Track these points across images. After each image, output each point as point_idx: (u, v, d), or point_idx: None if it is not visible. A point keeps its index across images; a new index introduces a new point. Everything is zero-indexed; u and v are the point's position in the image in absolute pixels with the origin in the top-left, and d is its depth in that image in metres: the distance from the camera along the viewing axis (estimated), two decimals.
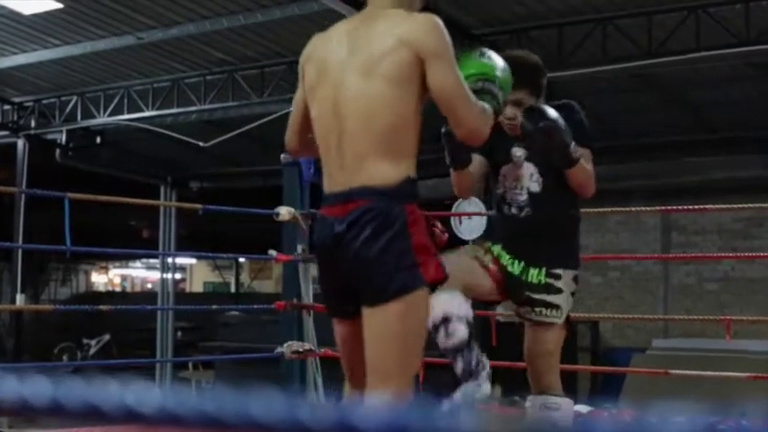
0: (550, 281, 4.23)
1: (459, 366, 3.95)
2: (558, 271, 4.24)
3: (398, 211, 3.09)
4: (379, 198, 3.09)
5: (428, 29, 3.13)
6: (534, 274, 4.22)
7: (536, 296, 4.22)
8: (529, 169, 4.28)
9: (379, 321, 3.08)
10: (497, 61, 3.62)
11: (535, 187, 4.27)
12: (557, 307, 4.22)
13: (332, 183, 3.21)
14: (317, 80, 3.26)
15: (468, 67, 3.49)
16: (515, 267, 4.25)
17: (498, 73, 3.56)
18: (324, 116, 3.22)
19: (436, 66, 3.10)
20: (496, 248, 4.32)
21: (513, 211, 4.30)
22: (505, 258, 4.28)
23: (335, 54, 3.22)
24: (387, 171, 3.10)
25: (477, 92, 3.36)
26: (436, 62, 3.10)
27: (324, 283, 3.37)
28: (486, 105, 3.33)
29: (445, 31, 3.17)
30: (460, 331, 3.94)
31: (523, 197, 4.28)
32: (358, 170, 3.11)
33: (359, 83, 3.14)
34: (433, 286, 3.21)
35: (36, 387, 1.05)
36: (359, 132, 3.12)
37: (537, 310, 4.22)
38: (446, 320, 3.91)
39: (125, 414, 1.03)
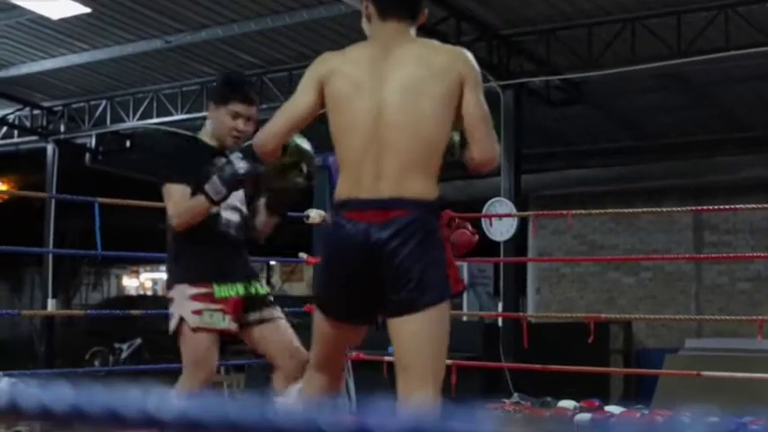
0: (268, 290, 4.74)
1: None
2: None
3: (435, 226, 3.38)
4: (421, 211, 3.31)
5: (467, 59, 3.47)
6: (259, 287, 4.62)
7: (271, 299, 4.66)
8: (238, 194, 4.55)
9: (421, 326, 3.29)
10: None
11: (244, 209, 4.63)
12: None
13: (360, 189, 3.35)
14: (352, 92, 3.40)
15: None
16: (243, 289, 4.55)
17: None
18: (362, 126, 3.37)
19: (474, 91, 3.41)
20: (223, 291, 4.54)
21: (230, 230, 4.58)
22: (232, 291, 4.55)
23: (368, 72, 3.42)
24: (426, 186, 3.35)
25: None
26: (474, 88, 3.42)
27: (341, 286, 3.46)
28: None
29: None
30: None
31: (236, 218, 4.59)
32: (401, 181, 3.32)
33: (405, 99, 3.36)
34: (457, 296, 3.48)
35: (57, 393, 1.04)
36: (404, 145, 3.34)
37: (278, 308, 4.64)
38: None
39: (146, 420, 1.02)
